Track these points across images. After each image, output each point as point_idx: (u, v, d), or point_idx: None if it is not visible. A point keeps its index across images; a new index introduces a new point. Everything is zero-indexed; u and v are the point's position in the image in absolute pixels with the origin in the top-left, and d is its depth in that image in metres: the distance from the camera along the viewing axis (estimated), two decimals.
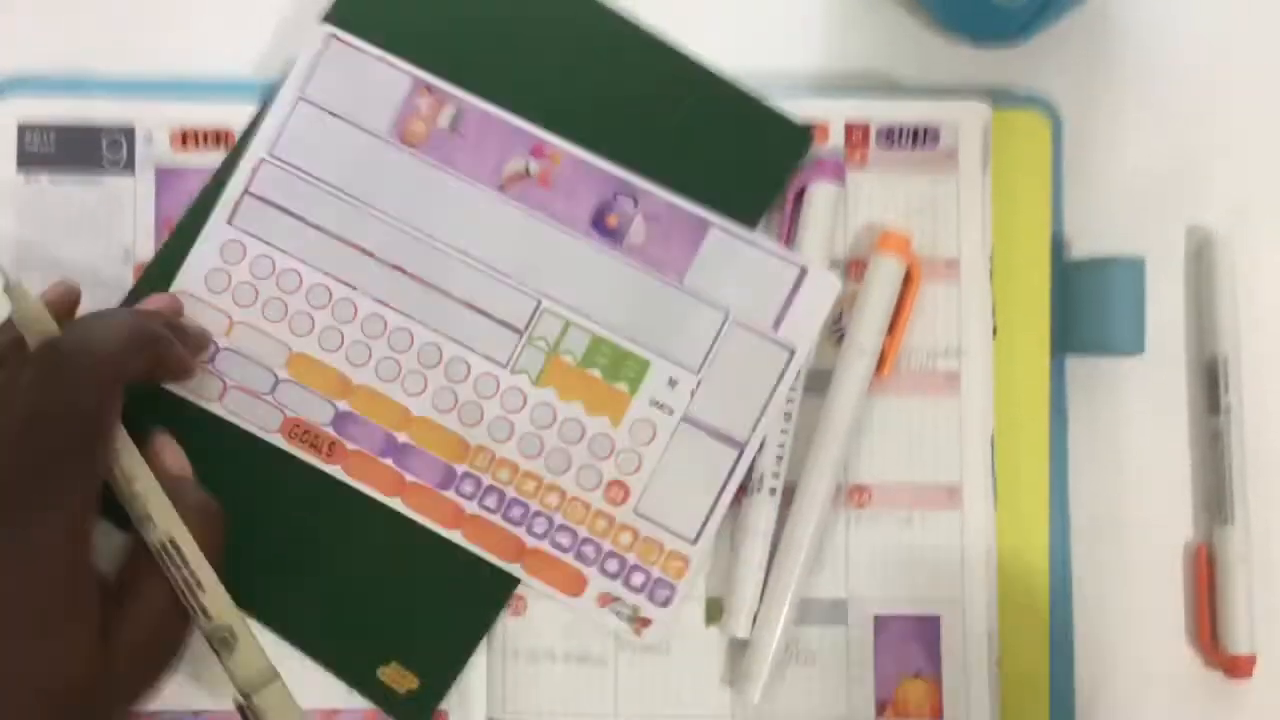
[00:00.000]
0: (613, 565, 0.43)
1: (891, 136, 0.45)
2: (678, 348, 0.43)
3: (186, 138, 0.44)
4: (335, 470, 0.43)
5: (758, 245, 0.43)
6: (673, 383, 0.43)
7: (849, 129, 0.45)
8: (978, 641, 0.43)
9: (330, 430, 0.43)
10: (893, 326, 0.43)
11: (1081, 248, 0.46)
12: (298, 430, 0.43)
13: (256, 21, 0.46)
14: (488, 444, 0.43)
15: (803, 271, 0.43)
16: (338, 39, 0.44)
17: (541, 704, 0.42)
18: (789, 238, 0.44)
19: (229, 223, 0.44)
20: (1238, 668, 0.44)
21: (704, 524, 0.43)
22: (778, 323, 0.43)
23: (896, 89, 0.47)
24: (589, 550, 0.43)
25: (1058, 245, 0.46)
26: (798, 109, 0.44)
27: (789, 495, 0.43)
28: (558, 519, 0.43)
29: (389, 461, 0.43)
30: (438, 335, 0.43)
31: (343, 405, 0.43)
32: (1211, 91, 0.47)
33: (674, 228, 0.43)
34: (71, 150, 0.44)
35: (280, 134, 0.44)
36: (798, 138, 0.44)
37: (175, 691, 0.42)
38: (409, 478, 0.43)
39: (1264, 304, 0.46)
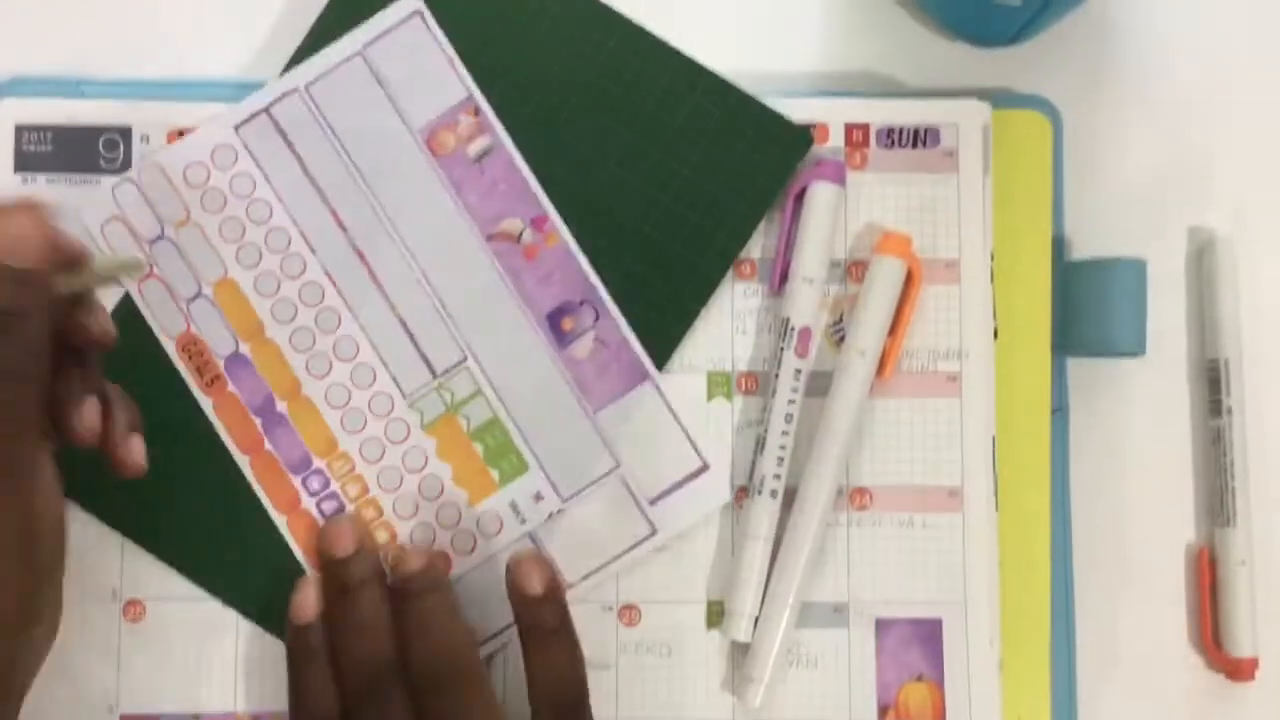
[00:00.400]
0: None
1: (891, 137, 0.44)
2: (559, 469, 0.43)
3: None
4: (206, 403, 0.43)
5: (678, 422, 0.43)
6: (539, 497, 0.43)
7: (849, 129, 0.44)
8: (980, 644, 0.43)
9: (220, 363, 0.43)
10: (893, 328, 0.43)
11: (1082, 249, 0.46)
12: (192, 347, 0.43)
13: (252, 23, 0.46)
14: (353, 455, 0.43)
15: (703, 467, 0.43)
16: (421, 18, 0.44)
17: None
18: (789, 238, 0.44)
19: (235, 129, 0.44)
20: (1240, 670, 0.44)
21: (493, 636, 0.42)
22: (656, 500, 0.43)
23: (897, 90, 0.47)
24: None
25: (1059, 246, 0.46)
26: (798, 110, 0.44)
27: (790, 498, 0.43)
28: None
29: (257, 421, 0.43)
30: (362, 335, 0.43)
31: (244, 347, 0.43)
32: (1212, 92, 0.47)
33: (616, 362, 0.43)
34: (68, 151, 0.44)
35: (324, 75, 0.44)
36: (798, 138, 0.44)
37: (175, 693, 0.42)
38: (267, 445, 0.43)
39: (1265, 306, 0.46)
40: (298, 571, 0.42)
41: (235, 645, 0.43)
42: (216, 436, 0.43)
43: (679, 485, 0.43)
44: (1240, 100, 0.47)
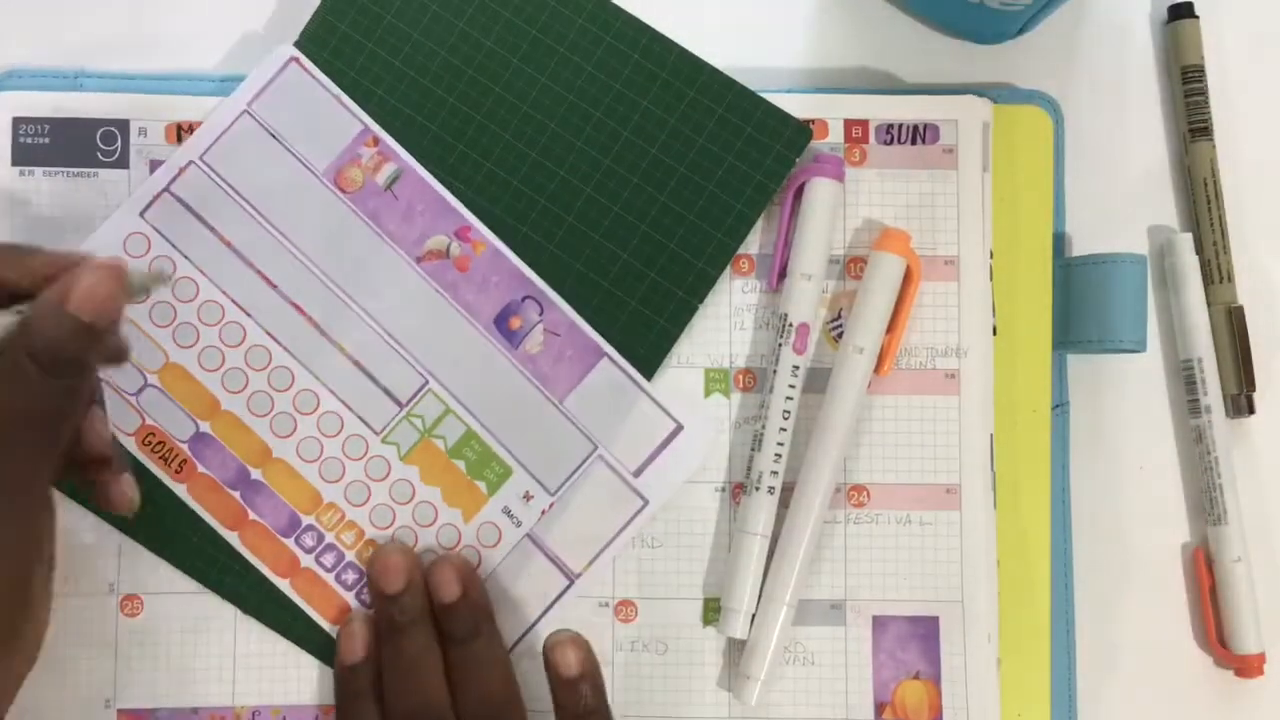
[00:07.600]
0: None
1: (891, 133, 0.44)
2: (542, 464, 0.43)
3: (180, 131, 0.44)
4: (180, 489, 0.43)
5: (642, 390, 0.43)
6: (528, 497, 0.43)
7: (848, 125, 0.44)
8: (977, 642, 0.43)
9: (185, 448, 0.43)
10: (892, 325, 0.43)
11: (1083, 245, 0.46)
12: (152, 439, 0.43)
13: (250, 16, 0.46)
14: (340, 503, 0.43)
15: (677, 428, 0.43)
16: (299, 64, 0.44)
17: (540, 703, 0.42)
18: (788, 234, 0.44)
19: (141, 215, 0.43)
20: (1248, 667, 0.44)
21: (519, 640, 0.43)
22: (640, 471, 0.43)
23: (897, 87, 0.46)
24: None
25: (1059, 243, 0.45)
26: (797, 105, 0.44)
27: (787, 495, 0.43)
28: None
29: (235, 494, 0.43)
30: (319, 384, 0.43)
31: (204, 426, 0.43)
32: (1213, 86, 0.47)
33: (570, 347, 0.43)
34: (66, 144, 0.44)
35: (215, 141, 0.43)
36: (797, 134, 0.43)
37: (172, 687, 0.42)
38: (251, 515, 0.43)
39: (1266, 298, 0.46)
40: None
41: (233, 640, 0.43)
42: (200, 519, 0.43)
43: (658, 451, 0.43)
44: (1242, 94, 0.47)
